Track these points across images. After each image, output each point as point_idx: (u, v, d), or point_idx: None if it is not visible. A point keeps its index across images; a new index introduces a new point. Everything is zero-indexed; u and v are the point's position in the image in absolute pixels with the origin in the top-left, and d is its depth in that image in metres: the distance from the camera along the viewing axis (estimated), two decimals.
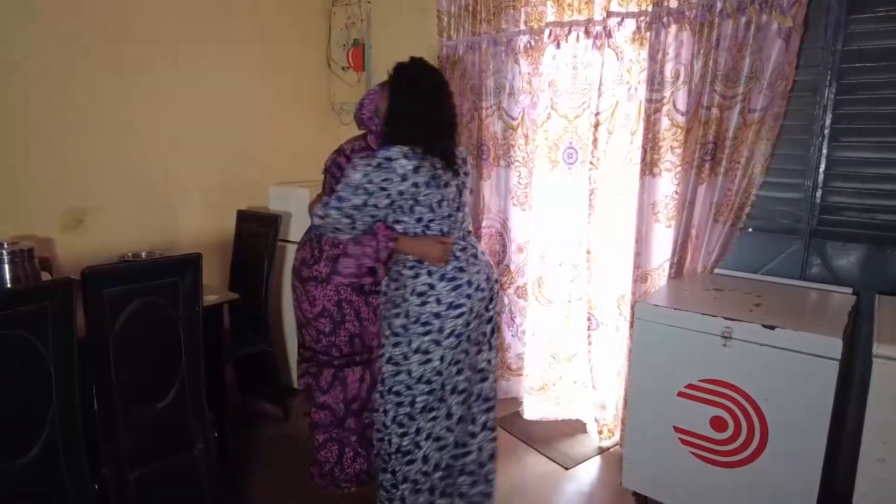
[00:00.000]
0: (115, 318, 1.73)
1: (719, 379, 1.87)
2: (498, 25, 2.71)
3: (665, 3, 2.21)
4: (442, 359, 1.82)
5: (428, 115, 1.82)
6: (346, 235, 1.88)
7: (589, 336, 2.62)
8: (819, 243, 2.16)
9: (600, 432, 2.63)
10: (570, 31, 2.53)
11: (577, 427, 2.79)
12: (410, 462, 1.85)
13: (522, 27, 2.65)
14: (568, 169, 2.69)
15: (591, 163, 2.50)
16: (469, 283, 1.84)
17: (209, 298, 2.14)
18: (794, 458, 1.76)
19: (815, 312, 1.99)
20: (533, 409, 2.87)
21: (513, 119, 2.75)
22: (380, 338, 1.97)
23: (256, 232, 2.85)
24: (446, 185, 1.82)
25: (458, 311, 1.82)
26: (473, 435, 1.95)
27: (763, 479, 1.82)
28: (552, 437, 2.73)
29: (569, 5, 2.53)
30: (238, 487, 2.30)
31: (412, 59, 1.89)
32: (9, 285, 2.05)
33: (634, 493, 2.19)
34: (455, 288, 1.82)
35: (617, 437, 2.61)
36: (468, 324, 1.86)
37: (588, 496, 2.33)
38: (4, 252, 2.07)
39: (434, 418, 1.85)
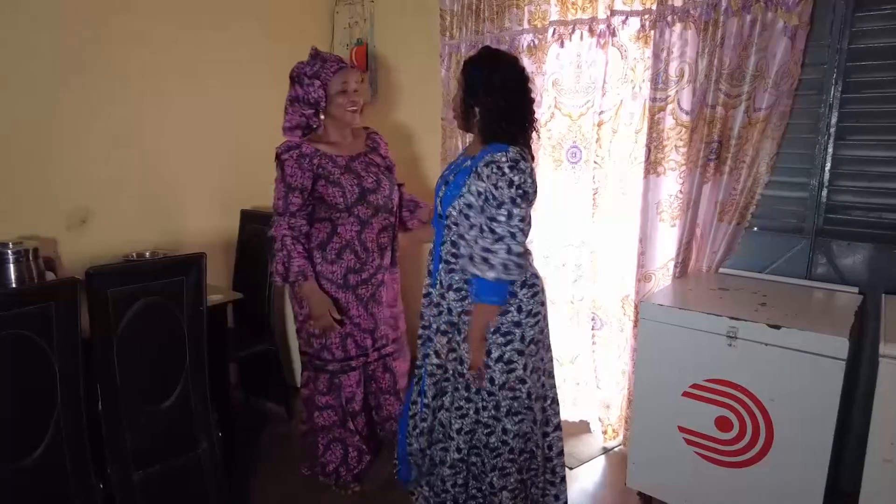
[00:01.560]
0: (120, 318, 1.74)
1: (724, 379, 1.86)
2: (501, 24, 2.70)
3: (669, 2, 2.20)
4: (525, 367, 1.76)
5: (527, 112, 1.74)
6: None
7: (593, 336, 2.61)
8: (825, 242, 2.15)
9: (604, 432, 2.62)
10: (573, 30, 2.52)
11: (580, 428, 2.78)
12: (498, 455, 1.81)
13: (526, 26, 2.64)
14: (571, 168, 2.68)
15: (595, 162, 2.49)
16: (542, 289, 1.81)
17: (213, 298, 2.14)
18: (799, 459, 1.75)
19: (821, 312, 1.98)
20: None
21: None
22: (428, 338, 1.88)
23: (260, 231, 2.84)
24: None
25: (536, 318, 1.77)
26: (546, 435, 1.90)
27: (769, 479, 1.81)
28: None
29: (573, 4, 2.52)
30: (242, 487, 2.30)
31: (490, 49, 1.80)
32: (13, 285, 2.06)
33: (639, 493, 2.18)
34: (534, 295, 1.76)
35: (621, 438, 2.60)
36: (542, 331, 1.82)
37: (592, 496, 2.32)
38: (9, 252, 2.08)
39: (521, 420, 1.79)
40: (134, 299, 1.76)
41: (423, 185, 3.16)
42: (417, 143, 3.27)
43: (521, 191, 1.62)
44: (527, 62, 2.65)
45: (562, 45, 2.57)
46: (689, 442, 1.95)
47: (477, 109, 1.71)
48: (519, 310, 1.73)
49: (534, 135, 1.80)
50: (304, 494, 2.28)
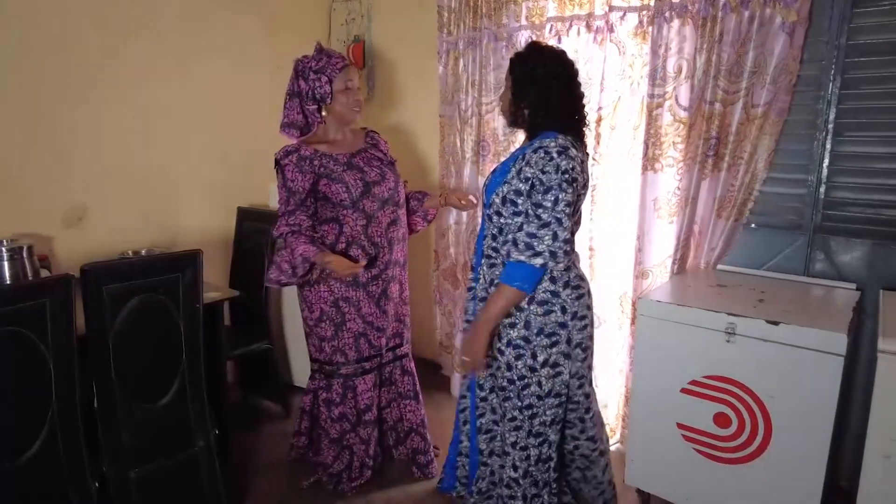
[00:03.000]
0: (116, 315, 1.73)
1: (723, 375, 1.86)
2: (499, 20, 2.69)
3: None
4: (570, 372, 1.72)
5: (575, 103, 1.70)
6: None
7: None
8: (823, 239, 2.15)
9: None
10: (571, 26, 2.51)
11: None
12: (548, 469, 1.77)
13: (524, 22, 2.63)
14: None
15: (593, 158, 2.48)
16: (589, 292, 1.76)
17: (210, 295, 2.13)
18: (798, 455, 1.75)
19: (819, 308, 1.98)
20: None
21: None
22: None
23: (257, 229, 2.84)
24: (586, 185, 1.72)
25: (583, 322, 1.72)
26: (575, 438, 1.88)
27: (767, 475, 1.81)
28: None
29: (570, 0, 2.51)
30: (239, 485, 2.29)
31: (537, 43, 1.77)
32: (8, 282, 2.04)
33: (637, 491, 2.18)
34: (579, 297, 1.70)
35: (619, 436, 2.60)
36: (591, 336, 1.78)
37: None
38: (4, 249, 2.07)
39: (560, 430, 1.77)
40: (130, 296, 1.74)
41: (422, 183, 3.16)
42: (415, 141, 3.26)
43: (567, 176, 1.58)
44: None
45: (559, 41, 2.55)
46: (687, 439, 1.95)
47: (524, 105, 1.68)
48: (563, 311, 1.67)
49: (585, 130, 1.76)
50: (301, 494, 2.27)
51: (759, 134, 2.13)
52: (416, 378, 2.38)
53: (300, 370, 3.09)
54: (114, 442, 1.77)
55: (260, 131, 3.19)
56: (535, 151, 1.61)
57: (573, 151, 1.61)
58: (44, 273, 2.22)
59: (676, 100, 2.24)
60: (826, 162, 2.11)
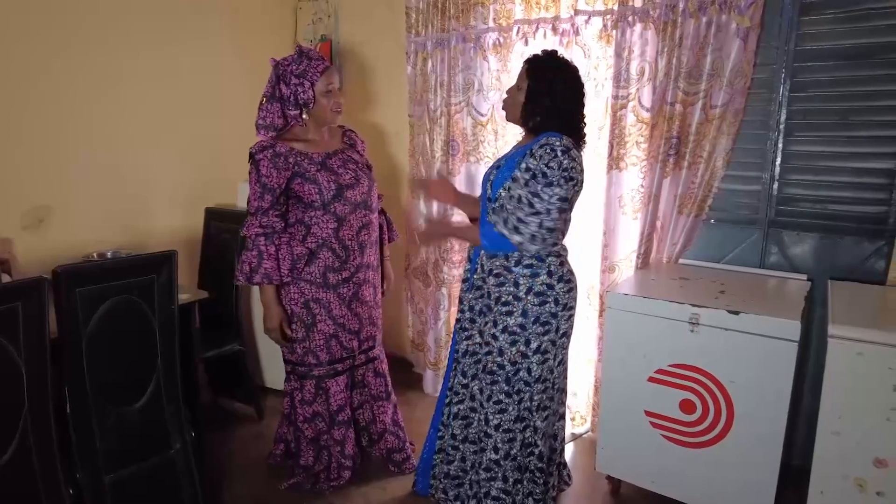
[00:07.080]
0: (89, 318, 1.70)
1: (688, 363, 1.95)
2: (467, 22, 2.74)
3: (630, 3, 2.28)
4: (555, 357, 1.85)
5: (581, 114, 1.83)
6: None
7: None
8: (776, 233, 2.28)
9: (573, 419, 2.70)
10: (537, 29, 2.58)
11: None
12: (531, 454, 1.87)
13: (491, 24, 2.69)
14: None
15: None
16: (576, 287, 1.90)
17: (181, 297, 2.10)
18: (757, 436, 1.86)
19: (775, 298, 2.10)
20: None
21: (482, 115, 2.79)
22: (470, 331, 1.92)
23: (225, 229, 2.80)
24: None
25: (569, 312, 1.86)
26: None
27: (730, 456, 1.91)
28: None
29: (537, 3, 2.58)
30: (216, 487, 2.27)
31: (556, 52, 1.85)
32: None
33: (608, 477, 2.26)
34: (569, 290, 1.85)
35: (589, 424, 2.68)
36: (573, 327, 1.91)
37: None
38: None
39: (547, 417, 1.88)
40: (103, 298, 1.71)
41: (391, 183, 3.18)
42: (384, 140, 3.28)
43: (567, 174, 1.71)
44: (492, 60, 2.70)
45: (526, 43, 2.62)
46: (655, 425, 2.04)
47: (538, 111, 1.78)
48: (556, 302, 1.81)
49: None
50: (278, 495, 2.27)
51: (718, 134, 2.24)
52: (388, 379, 2.39)
53: (272, 372, 3.07)
54: (88, 447, 1.73)
55: (226, 131, 3.16)
56: (541, 147, 1.72)
57: (574, 152, 1.74)
58: (4, 277, 2.15)
59: (639, 101, 2.33)
60: (778, 160, 2.24)
